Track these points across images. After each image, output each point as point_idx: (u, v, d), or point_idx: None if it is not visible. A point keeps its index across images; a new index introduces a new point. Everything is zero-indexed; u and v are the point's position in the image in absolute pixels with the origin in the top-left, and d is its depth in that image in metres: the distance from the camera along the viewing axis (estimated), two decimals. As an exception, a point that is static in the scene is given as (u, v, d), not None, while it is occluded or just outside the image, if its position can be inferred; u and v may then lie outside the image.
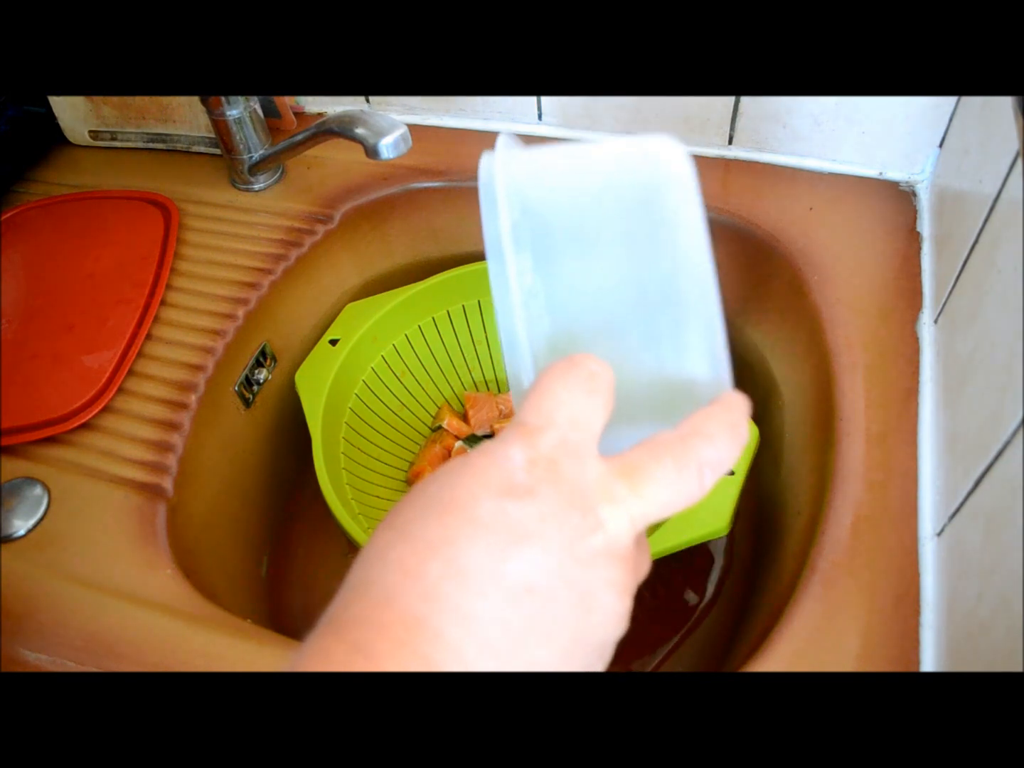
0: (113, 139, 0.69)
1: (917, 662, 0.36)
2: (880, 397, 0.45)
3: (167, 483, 0.47)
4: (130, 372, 0.52)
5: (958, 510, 0.37)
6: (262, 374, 0.59)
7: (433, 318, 0.64)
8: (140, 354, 0.53)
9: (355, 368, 0.59)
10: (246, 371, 0.57)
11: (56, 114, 0.68)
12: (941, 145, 0.55)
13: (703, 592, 0.56)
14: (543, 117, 0.65)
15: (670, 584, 0.56)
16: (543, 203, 0.25)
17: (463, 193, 0.63)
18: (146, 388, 0.51)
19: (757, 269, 0.57)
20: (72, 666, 0.40)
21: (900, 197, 0.57)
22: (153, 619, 0.41)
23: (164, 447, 0.49)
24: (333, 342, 0.59)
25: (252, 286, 0.57)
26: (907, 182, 0.58)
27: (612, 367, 0.23)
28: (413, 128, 0.55)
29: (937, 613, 0.37)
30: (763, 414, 0.55)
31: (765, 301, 0.57)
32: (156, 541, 0.45)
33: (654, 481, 0.21)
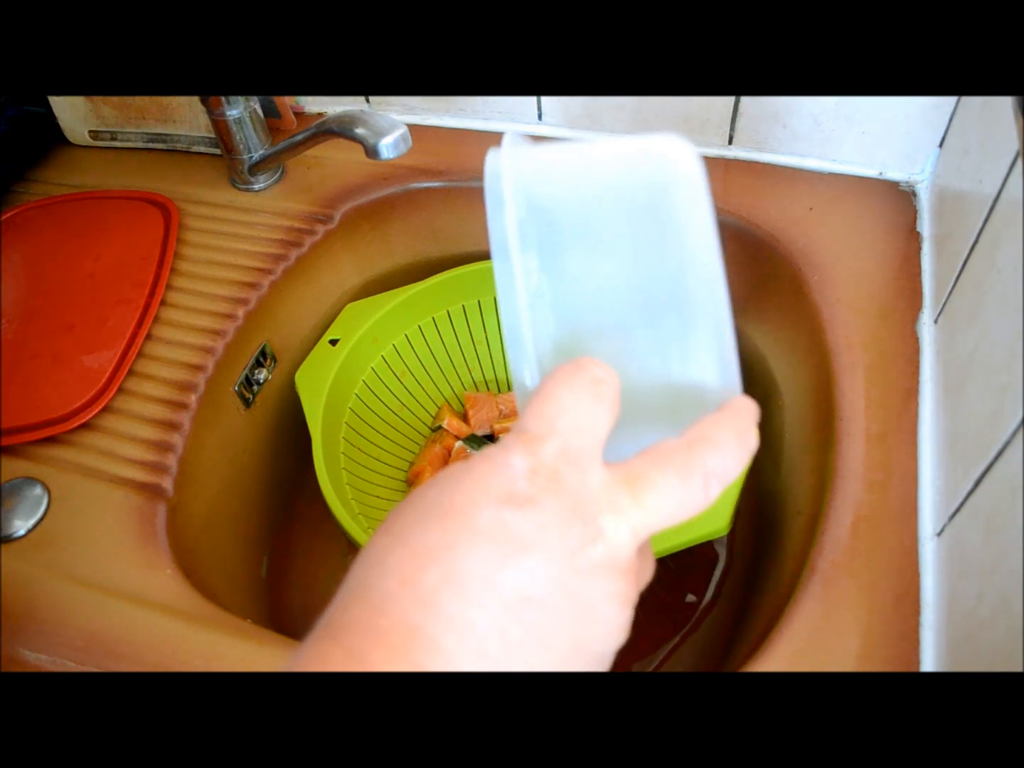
0: (113, 139, 0.69)
1: (917, 662, 0.36)
2: (880, 397, 0.45)
3: (167, 483, 0.47)
4: (130, 372, 0.52)
5: (958, 510, 0.37)
6: (262, 374, 0.59)
7: (433, 318, 0.64)
8: (140, 354, 0.53)
9: (355, 368, 0.59)
10: (246, 371, 0.57)
11: (56, 114, 0.68)
12: (941, 145, 0.55)
13: (703, 592, 0.56)
14: (543, 117, 0.65)
15: (670, 584, 0.56)
16: (550, 201, 0.24)
17: (463, 193, 0.63)
18: (146, 388, 0.51)
19: (757, 269, 0.57)
20: (72, 666, 0.40)
21: (900, 197, 0.57)
22: (153, 619, 0.41)
23: (164, 447, 0.49)
24: (333, 342, 0.59)
25: (252, 286, 0.57)
26: (907, 182, 0.57)
27: (618, 369, 0.23)
28: (413, 128, 0.55)
29: (937, 613, 0.37)
30: (763, 414, 0.55)
31: (765, 301, 0.57)
32: (156, 541, 0.45)
33: (657, 491, 0.21)
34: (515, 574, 0.19)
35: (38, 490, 0.47)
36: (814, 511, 0.44)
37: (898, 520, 0.41)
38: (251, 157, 0.61)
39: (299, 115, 0.70)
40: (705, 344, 0.24)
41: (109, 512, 0.46)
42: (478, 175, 0.64)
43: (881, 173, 0.58)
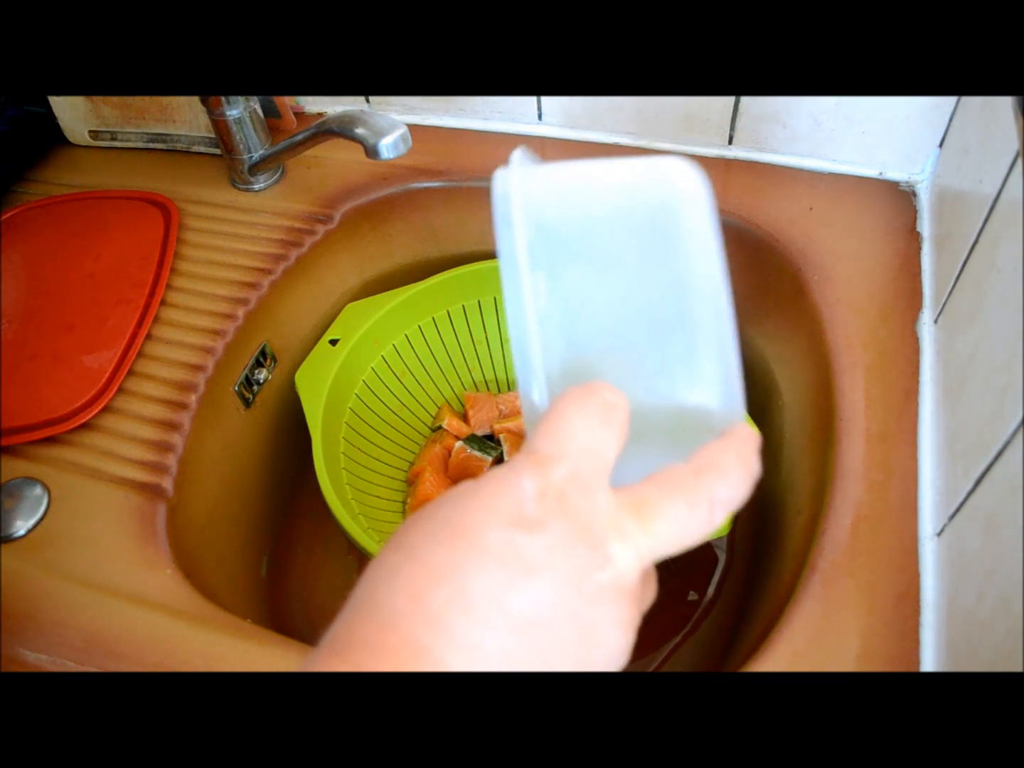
0: (113, 139, 0.69)
1: (917, 662, 0.36)
2: (880, 397, 0.45)
3: (167, 483, 0.47)
4: (130, 372, 0.52)
5: (958, 510, 0.37)
6: (262, 374, 0.59)
7: (433, 318, 0.64)
8: (140, 354, 0.53)
9: (355, 368, 0.59)
10: (246, 371, 0.57)
11: (56, 114, 0.68)
12: (941, 145, 0.55)
13: (703, 592, 0.56)
14: (543, 117, 0.65)
15: (670, 584, 0.56)
16: (558, 222, 0.24)
17: (463, 193, 0.63)
18: (146, 388, 0.51)
19: (757, 269, 0.57)
20: (72, 666, 0.40)
21: (900, 197, 0.57)
22: (153, 619, 0.41)
23: (164, 447, 0.49)
24: (333, 342, 0.59)
25: (252, 286, 0.57)
26: (907, 182, 0.57)
27: (623, 389, 0.23)
28: (413, 128, 0.55)
29: (937, 613, 0.37)
30: (763, 414, 0.55)
31: (765, 301, 0.57)
32: (156, 541, 0.45)
33: (664, 517, 0.21)
34: (523, 596, 0.20)
35: (38, 490, 0.47)
36: (814, 511, 0.44)
37: (898, 520, 0.41)
38: (251, 157, 0.61)
39: (299, 115, 0.70)
40: (710, 368, 0.24)
41: (109, 512, 0.46)
42: (478, 175, 0.64)
43: (881, 173, 0.58)
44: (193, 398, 0.51)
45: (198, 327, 0.54)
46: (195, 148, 0.67)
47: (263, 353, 0.58)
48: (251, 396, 0.58)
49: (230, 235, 0.60)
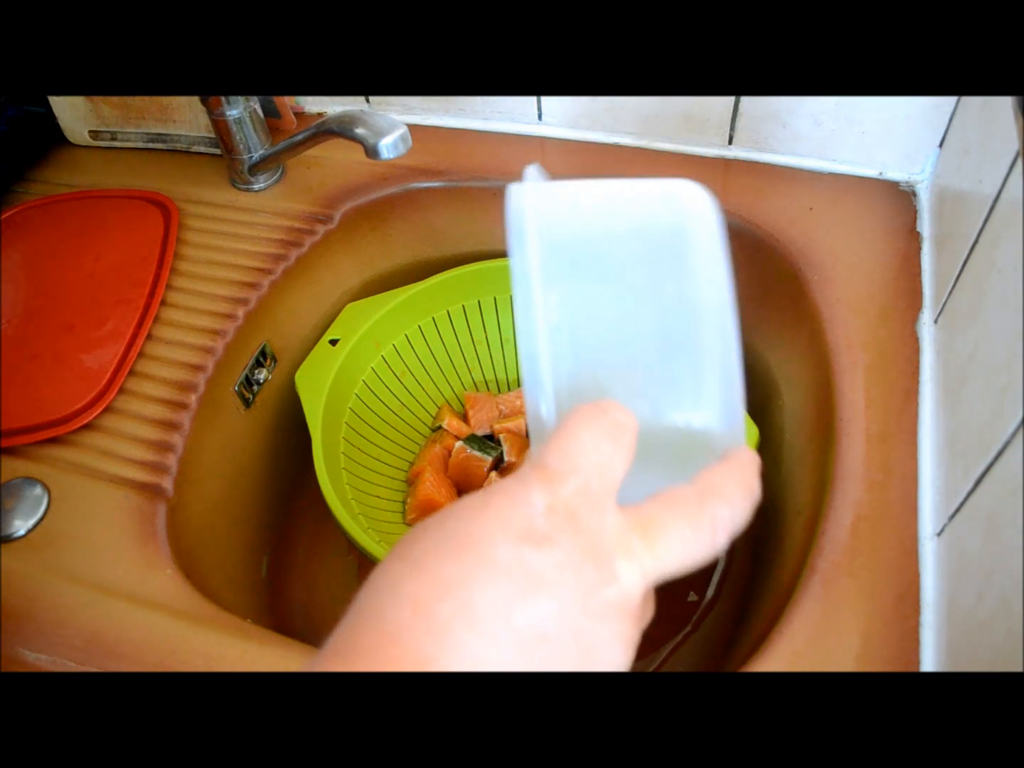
0: (113, 139, 0.69)
1: (917, 662, 0.36)
2: (880, 397, 0.45)
3: (167, 483, 0.47)
4: (132, 373, 0.52)
5: (958, 510, 0.37)
6: (262, 374, 0.59)
7: (433, 318, 0.64)
8: (140, 354, 0.53)
9: (355, 368, 0.59)
10: (246, 371, 0.57)
11: (56, 114, 0.68)
12: (941, 145, 0.55)
13: (703, 592, 0.56)
14: (543, 117, 0.65)
15: (670, 584, 0.56)
16: (571, 239, 0.25)
17: (463, 193, 0.63)
18: (146, 388, 0.51)
19: (757, 269, 0.57)
20: (72, 666, 0.40)
21: (900, 197, 0.57)
22: (153, 619, 0.41)
23: (164, 447, 0.49)
24: (333, 342, 0.59)
25: (252, 286, 0.57)
26: (907, 182, 0.57)
27: (629, 407, 0.23)
28: (413, 128, 0.55)
29: (937, 613, 0.37)
30: (763, 414, 0.55)
31: (765, 301, 0.57)
32: (156, 541, 0.45)
33: (670, 537, 0.21)
34: (530, 611, 0.20)
35: (38, 490, 0.47)
36: (814, 511, 0.44)
37: (898, 520, 0.41)
38: (251, 157, 0.61)
39: (299, 115, 0.70)
40: (715, 391, 0.24)
41: (109, 512, 0.46)
42: (478, 175, 0.64)
43: (881, 173, 0.58)
44: (193, 398, 0.51)
45: (198, 327, 0.54)
46: (195, 148, 0.67)
47: (263, 353, 0.58)
48: (251, 396, 0.58)
49: (230, 235, 0.60)
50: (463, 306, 0.64)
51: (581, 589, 0.20)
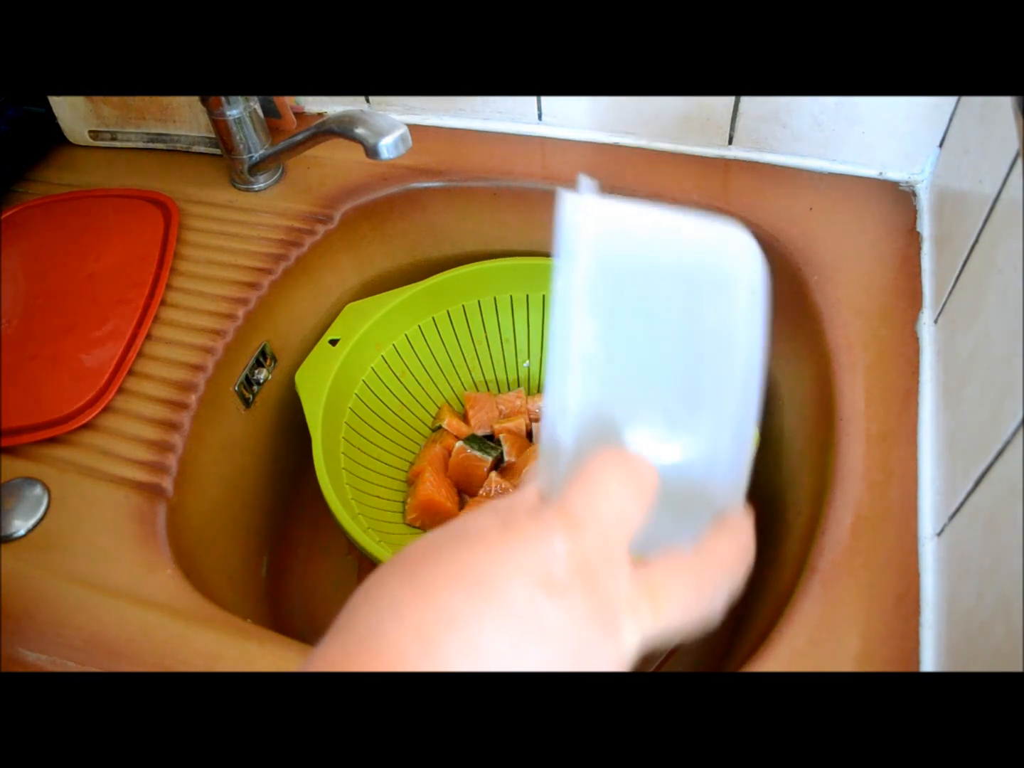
0: (113, 139, 0.69)
1: (917, 662, 0.36)
2: (880, 397, 0.45)
3: (167, 483, 0.47)
4: (132, 372, 0.52)
5: (958, 510, 0.37)
6: (262, 374, 0.59)
7: (433, 318, 0.64)
8: (140, 354, 0.53)
9: (355, 368, 0.59)
10: (246, 371, 0.57)
11: (56, 114, 0.68)
12: (941, 145, 0.55)
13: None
14: (543, 117, 0.65)
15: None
16: (621, 270, 0.24)
17: (463, 193, 0.63)
18: (146, 388, 0.51)
19: (757, 269, 0.57)
20: (72, 666, 0.40)
21: (900, 197, 0.57)
22: (153, 619, 0.41)
23: (164, 447, 0.49)
24: (333, 342, 0.59)
25: (252, 286, 0.57)
26: (907, 182, 0.57)
27: (642, 446, 0.23)
28: (413, 128, 0.55)
29: (937, 613, 0.37)
30: (763, 414, 0.55)
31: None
32: (156, 541, 0.45)
33: (673, 603, 0.22)
34: (532, 659, 0.20)
35: (38, 490, 0.47)
36: (814, 511, 0.44)
37: (898, 520, 0.41)
38: (251, 157, 0.61)
39: (299, 115, 0.70)
40: (727, 451, 0.24)
41: (109, 512, 0.46)
42: (478, 175, 0.64)
43: (881, 173, 0.58)
44: (193, 398, 0.51)
45: (198, 327, 0.54)
46: (195, 148, 0.67)
47: (263, 353, 0.58)
48: (251, 396, 0.58)
49: (230, 235, 0.60)
50: (463, 306, 0.64)
51: (584, 643, 0.20)
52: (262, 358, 0.58)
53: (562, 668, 0.20)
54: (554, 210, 0.24)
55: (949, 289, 0.46)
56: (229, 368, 0.55)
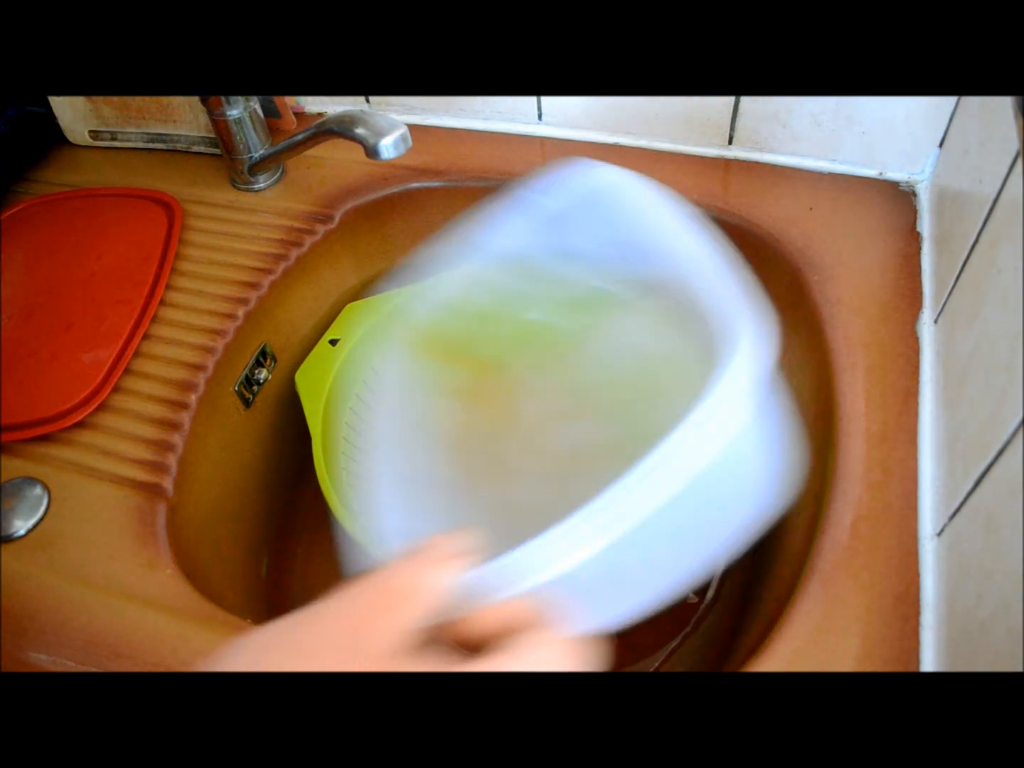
0: (113, 139, 0.69)
1: (917, 662, 0.36)
2: (880, 397, 0.45)
3: (167, 483, 0.47)
4: (130, 372, 0.52)
5: (958, 510, 0.37)
6: (262, 374, 0.59)
7: (433, 318, 0.64)
8: (140, 353, 0.53)
9: (355, 368, 0.59)
10: (246, 371, 0.57)
11: (56, 114, 0.68)
12: (941, 145, 0.55)
13: (703, 592, 0.56)
14: (543, 117, 0.65)
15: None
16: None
17: (463, 193, 0.63)
18: (146, 387, 0.51)
19: (757, 269, 0.56)
20: (72, 666, 0.40)
21: (900, 197, 0.57)
22: (153, 619, 0.41)
23: (164, 447, 0.49)
24: (333, 342, 0.58)
25: (252, 286, 0.57)
26: (907, 182, 0.57)
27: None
28: (413, 128, 0.55)
29: (937, 613, 0.37)
30: (763, 414, 0.55)
31: (765, 301, 0.57)
32: (156, 541, 0.45)
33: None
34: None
35: (38, 490, 0.47)
36: (814, 511, 0.44)
37: (898, 520, 0.41)
38: (251, 157, 0.61)
39: (299, 115, 0.70)
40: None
41: (109, 512, 0.46)
42: (478, 175, 0.64)
43: (881, 173, 0.58)
44: (193, 397, 0.51)
45: (198, 326, 0.54)
46: (195, 148, 0.67)
47: (263, 353, 0.58)
48: (251, 396, 0.58)
49: (230, 235, 0.60)
50: (463, 306, 0.64)
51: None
52: (262, 358, 0.58)
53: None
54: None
55: (949, 289, 0.46)
56: (229, 368, 0.55)
